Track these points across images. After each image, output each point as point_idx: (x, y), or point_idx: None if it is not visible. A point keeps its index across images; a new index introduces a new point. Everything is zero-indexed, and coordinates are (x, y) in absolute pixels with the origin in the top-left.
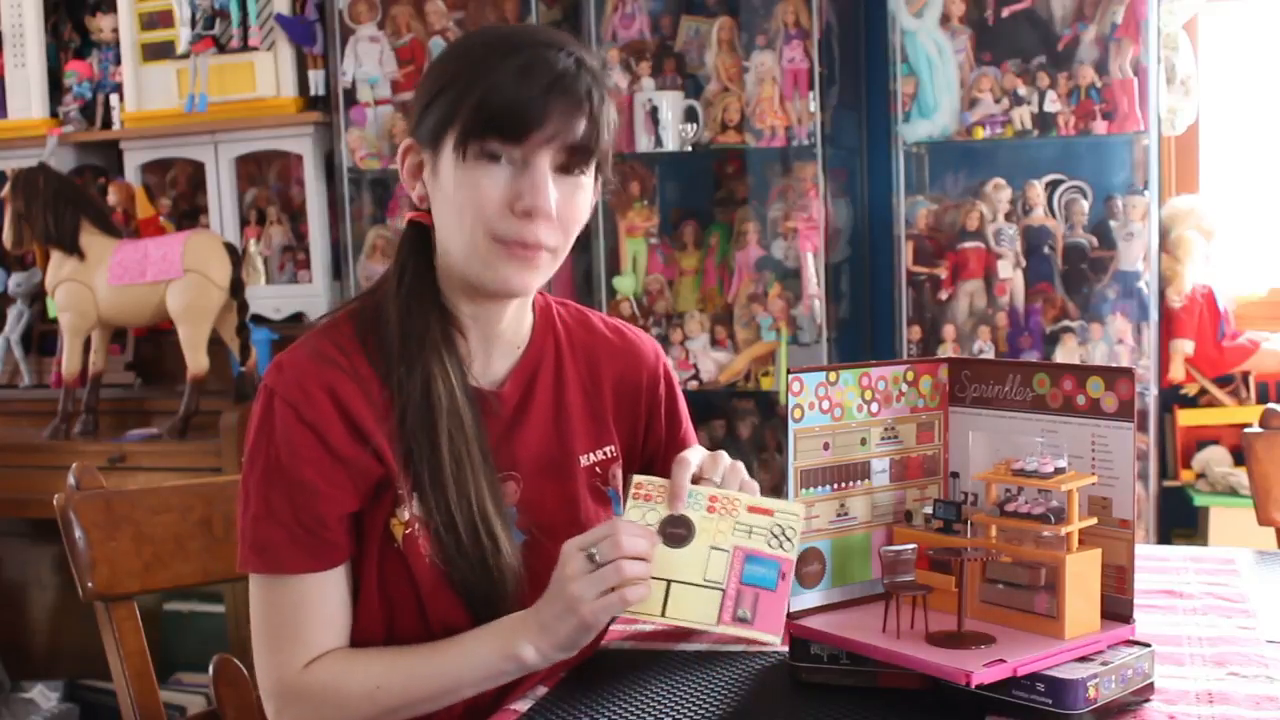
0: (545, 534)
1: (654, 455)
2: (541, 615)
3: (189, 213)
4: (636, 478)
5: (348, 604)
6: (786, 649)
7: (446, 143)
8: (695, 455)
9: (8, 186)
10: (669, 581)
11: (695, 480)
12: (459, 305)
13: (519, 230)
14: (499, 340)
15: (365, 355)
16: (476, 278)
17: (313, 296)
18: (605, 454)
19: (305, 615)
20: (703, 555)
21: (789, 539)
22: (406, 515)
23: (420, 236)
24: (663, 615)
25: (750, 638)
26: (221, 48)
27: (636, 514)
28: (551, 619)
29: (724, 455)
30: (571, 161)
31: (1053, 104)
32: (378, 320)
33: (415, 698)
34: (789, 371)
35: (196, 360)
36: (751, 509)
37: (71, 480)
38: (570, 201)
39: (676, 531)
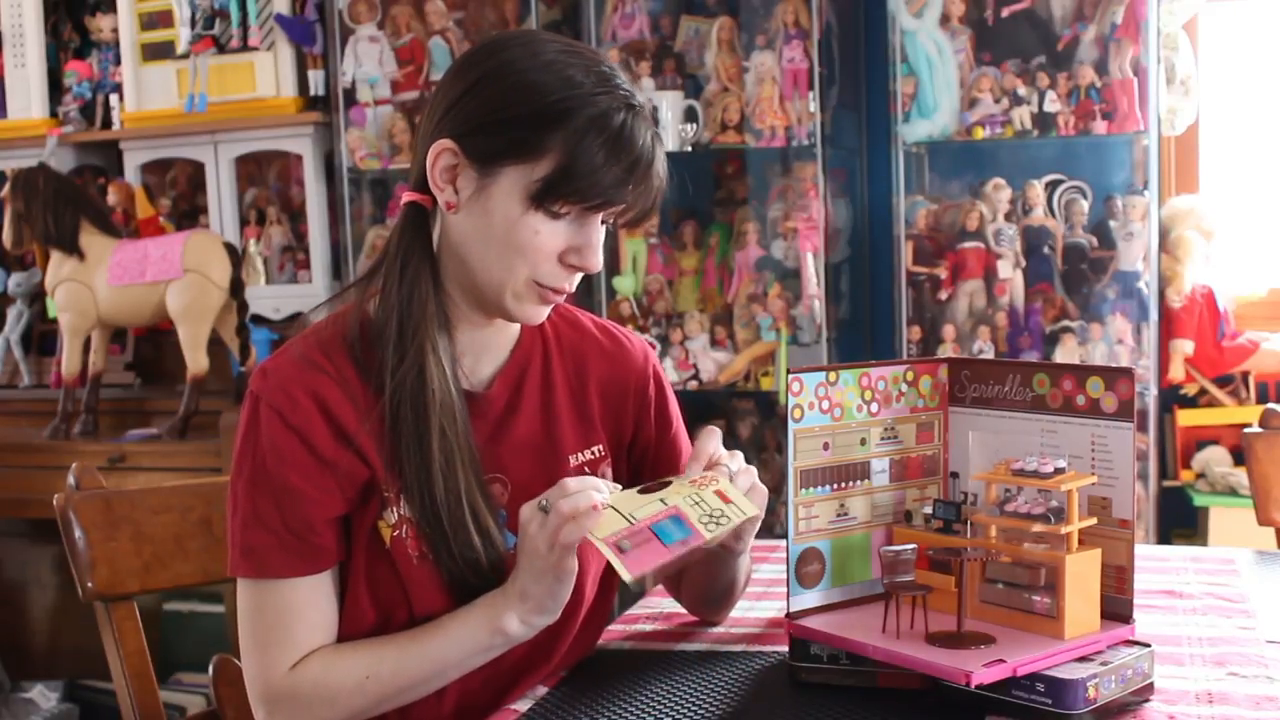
0: None
1: (643, 456)
2: (519, 581)
3: (189, 213)
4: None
5: (334, 607)
6: (786, 649)
7: (505, 173)
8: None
9: (8, 186)
10: (611, 507)
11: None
12: (458, 300)
13: (561, 280)
14: (488, 340)
15: (351, 358)
16: (498, 305)
17: (313, 296)
18: (594, 454)
19: (292, 618)
20: (651, 500)
21: (718, 525)
22: (394, 518)
23: (421, 221)
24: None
25: (611, 563)
26: (221, 48)
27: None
28: (528, 581)
29: (740, 455)
30: (621, 221)
31: (1052, 104)
32: (368, 316)
33: (405, 683)
34: (789, 371)
35: (196, 360)
36: (717, 493)
37: (71, 480)
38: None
39: (653, 489)
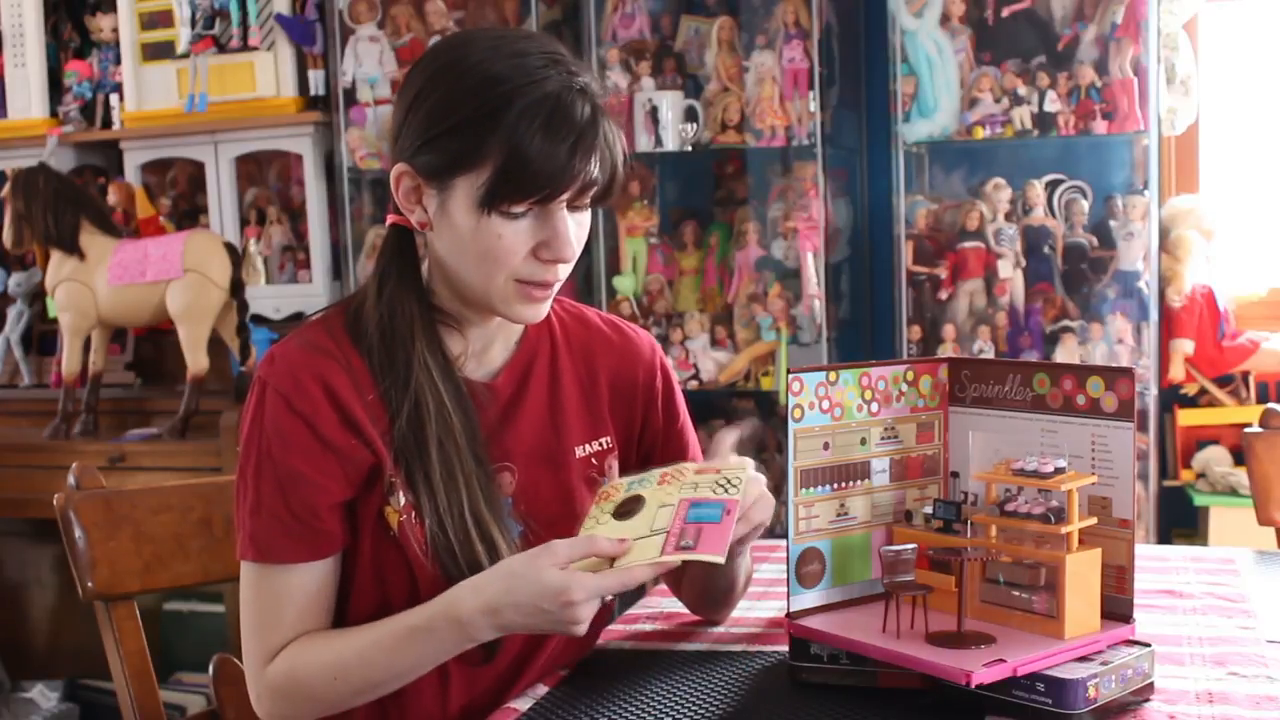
0: (541, 525)
1: (651, 448)
2: (504, 609)
3: (189, 213)
4: (603, 486)
5: (333, 591)
6: (786, 649)
7: (457, 185)
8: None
9: (8, 186)
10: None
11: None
12: (454, 307)
13: (542, 273)
14: (495, 335)
15: (356, 346)
16: (492, 310)
17: (313, 296)
18: (601, 445)
19: (287, 602)
20: (651, 514)
21: (734, 485)
22: (401, 503)
23: (403, 241)
24: (611, 566)
25: (693, 560)
26: (221, 48)
27: (597, 511)
28: (515, 618)
29: (750, 461)
30: (586, 201)
31: (1053, 104)
32: (364, 320)
33: (375, 681)
34: (789, 371)
35: (196, 360)
36: (698, 471)
37: (71, 480)
38: (581, 233)
39: (630, 509)
